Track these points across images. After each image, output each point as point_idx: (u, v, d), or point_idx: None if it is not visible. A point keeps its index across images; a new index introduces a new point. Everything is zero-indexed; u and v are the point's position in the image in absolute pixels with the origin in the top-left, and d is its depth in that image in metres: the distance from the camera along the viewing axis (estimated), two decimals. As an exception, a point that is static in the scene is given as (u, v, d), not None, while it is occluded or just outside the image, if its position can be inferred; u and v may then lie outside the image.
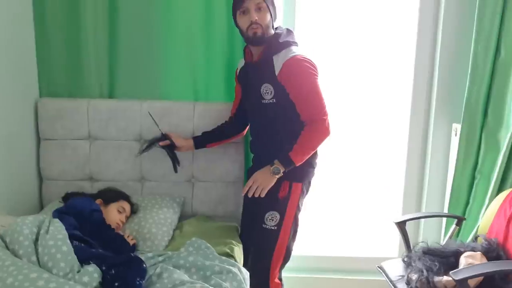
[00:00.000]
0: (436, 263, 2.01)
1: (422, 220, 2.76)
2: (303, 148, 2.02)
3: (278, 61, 2.02)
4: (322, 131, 2.01)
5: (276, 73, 2.01)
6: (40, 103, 2.47)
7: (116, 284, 1.66)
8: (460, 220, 2.34)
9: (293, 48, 2.06)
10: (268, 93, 2.06)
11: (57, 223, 1.82)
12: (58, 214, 2.00)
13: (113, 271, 1.70)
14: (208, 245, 2.13)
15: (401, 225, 2.29)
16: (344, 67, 2.77)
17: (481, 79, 2.44)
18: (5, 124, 2.25)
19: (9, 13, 2.26)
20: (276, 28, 2.14)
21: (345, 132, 2.80)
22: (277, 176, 2.05)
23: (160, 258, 1.92)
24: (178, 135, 2.36)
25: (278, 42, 2.04)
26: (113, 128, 2.48)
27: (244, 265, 2.16)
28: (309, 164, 2.16)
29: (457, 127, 2.58)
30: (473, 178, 2.53)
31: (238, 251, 2.24)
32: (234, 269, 1.88)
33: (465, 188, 2.54)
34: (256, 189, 2.06)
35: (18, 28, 2.35)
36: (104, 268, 1.71)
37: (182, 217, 2.49)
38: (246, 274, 1.95)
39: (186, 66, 2.52)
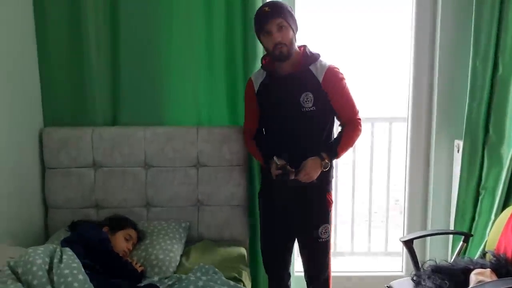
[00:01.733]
0: (446, 282, 2.00)
1: (428, 237, 2.75)
2: (347, 144, 2.22)
3: (318, 71, 2.17)
4: (359, 129, 2.24)
5: (320, 80, 2.16)
6: (45, 132, 2.49)
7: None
8: (467, 237, 2.33)
9: (322, 59, 2.21)
10: (308, 101, 2.16)
11: (69, 251, 1.83)
12: (67, 243, 2.00)
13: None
14: (216, 270, 2.12)
15: (408, 243, 2.29)
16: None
17: (480, 95, 2.47)
18: (10, 154, 2.27)
19: (13, 43, 2.29)
20: None
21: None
22: (323, 169, 2.16)
23: (169, 282, 1.90)
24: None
25: (311, 54, 2.21)
26: (118, 155, 2.49)
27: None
28: (333, 175, 2.34)
29: (459, 143, 2.59)
30: (477, 193, 2.53)
31: (246, 276, 2.24)
32: (243, 294, 1.87)
33: (470, 204, 2.54)
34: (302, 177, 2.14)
35: (22, 58, 2.39)
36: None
37: (189, 242, 2.48)
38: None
39: (189, 91, 2.56)
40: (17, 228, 2.32)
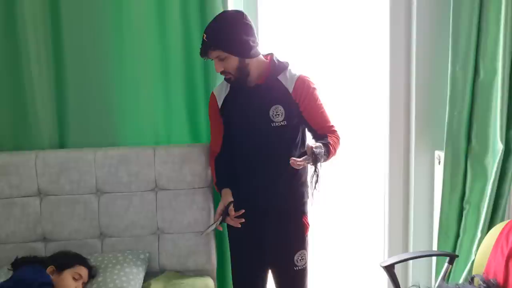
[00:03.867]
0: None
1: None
2: (334, 149, 1.98)
3: (288, 81, 2.01)
4: (339, 139, 2.05)
5: (290, 91, 2.00)
6: (-20, 160, 2.22)
7: None
8: (452, 258, 2.15)
9: (291, 68, 2.05)
10: (279, 115, 1.99)
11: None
12: (-1, 290, 1.74)
13: None
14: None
15: (389, 268, 2.09)
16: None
17: (461, 102, 2.31)
18: None
19: None
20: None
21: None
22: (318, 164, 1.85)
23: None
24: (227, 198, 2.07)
25: (279, 63, 2.04)
26: (66, 182, 2.24)
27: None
28: (307, 195, 2.11)
29: (440, 154, 2.43)
30: (461, 209, 2.37)
31: (211, 312, 2.02)
32: None
33: (454, 220, 2.37)
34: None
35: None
36: None
37: (149, 275, 2.23)
38: None
39: (144, 108, 2.33)
40: None
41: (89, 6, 2.24)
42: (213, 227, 2.06)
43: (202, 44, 1.92)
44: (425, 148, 2.51)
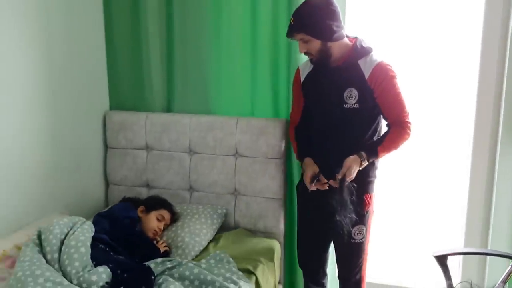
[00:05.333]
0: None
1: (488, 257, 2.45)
2: (390, 146, 2.09)
3: (366, 66, 2.07)
4: (407, 133, 2.09)
5: (366, 76, 2.06)
6: (108, 115, 2.76)
7: (121, 287, 1.80)
8: (515, 261, 2.04)
9: (373, 54, 2.10)
10: (352, 97, 2.08)
11: (86, 225, 2.03)
12: (97, 217, 2.23)
13: (125, 275, 1.85)
14: (231, 259, 2.19)
15: (441, 259, 2.08)
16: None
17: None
18: (79, 133, 2.59)
19: (86, 40, 2.60)
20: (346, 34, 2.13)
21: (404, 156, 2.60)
22: (363, 166, 2.08)
23: (169, 265, 2.01)
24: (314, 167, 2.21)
25: (361, 47, 2.09)
26: (166, 140, 2.67)
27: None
28: (375, 175, 2.22)
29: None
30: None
31: (264, 269, 2.25)
32: (234, 287, 1.90)
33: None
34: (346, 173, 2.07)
35: (92, 52, 2.68)
36: (119, 271, 1.86)
37: (225, 229, 2.57)
38: (246, 293, 1.95)
39: (235, 83, 2.61)
40: (82, 201, 2.64)
41: (194, 8, 2.59)
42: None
43: (289, 27, 2.05)
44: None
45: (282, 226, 2.57)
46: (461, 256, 2.53)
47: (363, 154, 2.07)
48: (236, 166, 2.56)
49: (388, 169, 2.51)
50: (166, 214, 2.43)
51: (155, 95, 2.76)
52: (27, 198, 2.27)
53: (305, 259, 2.44)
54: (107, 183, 2.83)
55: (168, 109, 2.79)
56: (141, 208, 2.41)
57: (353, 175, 2.07)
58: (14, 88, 2.15)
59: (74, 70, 2.51)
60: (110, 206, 2.51)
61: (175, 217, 2.47)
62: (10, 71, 2.12)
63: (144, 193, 2.74)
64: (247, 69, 2.58)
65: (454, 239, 2.66)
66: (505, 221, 2.42)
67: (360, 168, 2.08)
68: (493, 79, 2.38)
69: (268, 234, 2.56)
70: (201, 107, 2.70)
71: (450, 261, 2.12)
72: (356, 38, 2.14)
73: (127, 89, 2.80)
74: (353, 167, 2.06)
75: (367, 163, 2.10)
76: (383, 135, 2.14)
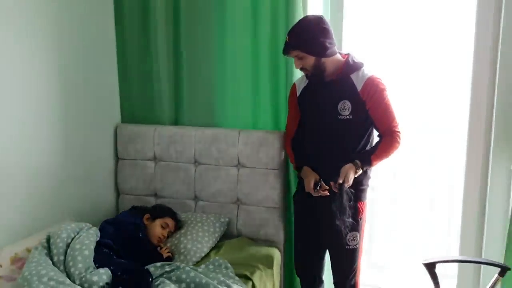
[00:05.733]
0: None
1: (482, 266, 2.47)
2: (382, 154, 2.22)
3: (358, 79, 2.20)
4: (397, 141, 2.23)
5: (359, 89, 2.20)
6: (119, 128, 2.91)
7: (120, 287, 1.92)
8: (503, 270, 2.06)
9: (365, 68, 2.24)
10: (346, 109, 2.22)
11: (92, 230, 2.17)
12: (104, 223, 2.37)
13: (124, 276, 1.97)
14: (229, 265, 2.28)
15: (430, 267, 2.12)
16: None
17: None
18: (92, 144, 2.74)
19: (98, 58, 2.76)
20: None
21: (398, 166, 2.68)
22: (357, 174, 2.20)
23: (168, 268, 2.12)
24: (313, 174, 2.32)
25: (353, 62, 2.24)
26: (173, 152, 2.80)
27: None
28: (367, 184, 2.34)
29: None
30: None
31: (262, 276, 2.34)
32: (227, 291, 1.99)
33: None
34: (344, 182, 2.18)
35: (105, 69, 2.84)
36: (119, 273, 1.98)
37: (228, 237, 2.67)
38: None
39: (237, 99, 2.73)
40: (94, 209, 2.77)
41: (201, 19, 2.73)
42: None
43: (284, 45, 2.21)
44: (503, 161, 2.39)
45: (282, 234, 2.65)
46: (457, 266, 2.56)
47: (358, 162, 2.20)
48: (239, 176, 2.67)
49: (386, 177, 2.58)
50: (170, 222, 2.54)
51: (163, 109, 2.90)
52: (40, 206, 2.41)
53: (302, 267, 2.55)
54: (118, 193, 2.97)
55: (176, 122, 2.92)
56: (146, 215, 2.53)
57: (351, 182, 2.18)
58: (29, 102, 2.31)
59: (88, 85, 2.67)
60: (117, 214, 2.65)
61: (179, 225, 2.58)
62: (25, 84, 2.28)
63: (152, 202, 2.86)
64: (248, 85, 2.70)
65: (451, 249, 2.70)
66: (498, 231, 2.45)
67: (355, 176, 2.20)
68: (484, 88, 2.44)
69: (269, 243, 2.65)
70: (206, 120, 2.82)
71: (447, 270, 2.17)
72: (348, 54, 2.27)
73: (138, 104, 2.95)
74: (350, 174, 2.17)
75: (361, 171, 2.21)
76: (375, 144, 2.28)
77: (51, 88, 2.43)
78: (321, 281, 2.55)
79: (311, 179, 2.26)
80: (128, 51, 2.89)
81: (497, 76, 2.37)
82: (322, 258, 2.50)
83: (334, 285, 2.46)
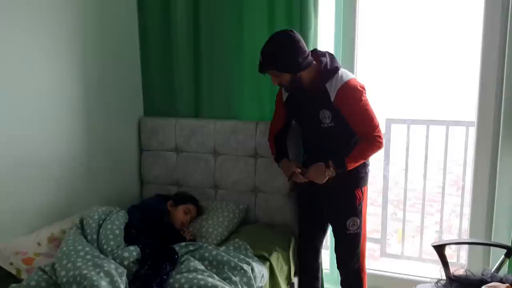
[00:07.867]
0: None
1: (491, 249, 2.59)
2: (357, 157, 2.27)
3: (332, 88, 2.22)
4: (376, 145, 2.26)
5: (332, 99, 2.23)
6: (142, 121, 3.08)
7: (149, 262, 2.08)
8: (510, 251, 2.18)
9: (340, 72, 2.24)
10: (326, 117, 2.29)
11: (121, 213, 2.35)
12: (131, 207, 2.53)
13: (152, 254, 2.13)
14: (248, 246, 2.43)
15: (439, 249, 2.25)
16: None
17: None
18: (117, 137, 2.91)
19: (121, 55, 2.93)
20: (315, 52, 2.32)
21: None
22: (328, 176, 2.28)
23: (192, 248, 2.27)
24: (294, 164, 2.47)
25: (327, 70, 2.23)
26: (194, 143, 2.95)
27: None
28: (365, 171, 2.41)
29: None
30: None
31: (278, 257, 2.49)
32: (247, 267, 2.14)
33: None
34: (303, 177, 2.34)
35: (128, 65, 3.02)
36: (147, 251, 2.15)
37: (246, 223, 2.82)
38: (258, 273, 2.19)
39: (255, 92, 2.89)
40: (120, 199, 2.91)
41: (220, 16, 2.87)
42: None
43: (259, 64, 2.23)
44: None
45: (294, 221, 2.79)
46: (467, 249, 2.67)
47: (330, 163, 2.26)
48: (256, 166, 2.82)
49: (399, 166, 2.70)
50: (192, 208, 2.70)
51: (184, 103, 3.06)
52: (72, 193, 2.59)
53: (303, 250, 2.68)
54: (141, 182, 3.14)
55: (196, 114, 3.08)
56: (170, 202, 2.69)
57: (320, 181, 2.29)
58: (59, 99, 2.48)
59: (113, 81, 2.84)
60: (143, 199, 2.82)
61: (200, 211, 2.74)
62: (56, 82, 2.45)
63: (174, 191, 3.01)
64: (264, 79, 2.83)
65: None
66: (507, 216, 2.56)
67: (332, 175, 2.28)
68: (493, 80, 2.57)
69: (284, 228, 2.79)
70: (225, 113, 2.98)
71: (459, 254, 2.27)
72: (325, 55, 2.28)
73: (160, 98, 3.12)
74: (314, 176, 2.30)
75: (334, 173, 2.27)
76: (352, 147, 2.29)
77: (79, 85, 2.59)
78: (319, 266, 2.72)
79: (287, 171, 2.43)
80: (150, 48, 3.06)
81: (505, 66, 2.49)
82: (321, 242, 2.66)
83: (338, 269, 2.59)
